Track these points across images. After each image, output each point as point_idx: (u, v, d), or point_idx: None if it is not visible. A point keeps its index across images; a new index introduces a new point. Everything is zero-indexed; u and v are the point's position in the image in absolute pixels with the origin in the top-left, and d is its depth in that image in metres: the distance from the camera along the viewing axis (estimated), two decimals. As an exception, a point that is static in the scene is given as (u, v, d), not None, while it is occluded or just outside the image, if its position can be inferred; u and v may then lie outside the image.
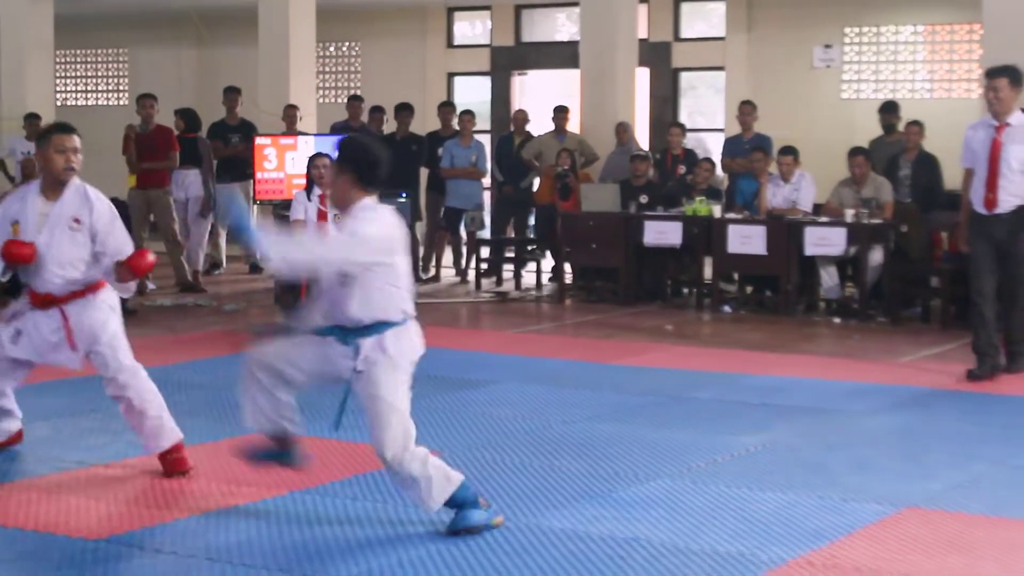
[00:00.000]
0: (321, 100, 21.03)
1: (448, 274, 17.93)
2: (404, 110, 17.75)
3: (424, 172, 17.89)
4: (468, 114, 17.91)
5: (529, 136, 17.85)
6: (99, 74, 26.55)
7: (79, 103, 26.30)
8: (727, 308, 14.76)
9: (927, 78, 19.95)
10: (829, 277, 14.26)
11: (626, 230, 15.05)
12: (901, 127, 15.27)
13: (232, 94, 18.43)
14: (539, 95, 22.52)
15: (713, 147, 19.33)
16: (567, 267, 16.11)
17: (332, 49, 23.96)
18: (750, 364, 11.38)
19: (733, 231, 14.41)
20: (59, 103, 23.09)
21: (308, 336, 6.63)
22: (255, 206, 17.78)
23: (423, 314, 14.47)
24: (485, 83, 23.46)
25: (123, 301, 14.26)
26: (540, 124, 18.52)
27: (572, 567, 5.97)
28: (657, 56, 21.53)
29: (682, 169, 16.36)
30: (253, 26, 19.37)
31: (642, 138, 18.99)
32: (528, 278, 17.03)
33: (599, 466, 7.79)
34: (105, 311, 7.56)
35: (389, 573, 5.89)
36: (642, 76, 19.60)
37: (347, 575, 5.86)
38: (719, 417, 9.24)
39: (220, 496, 7.15)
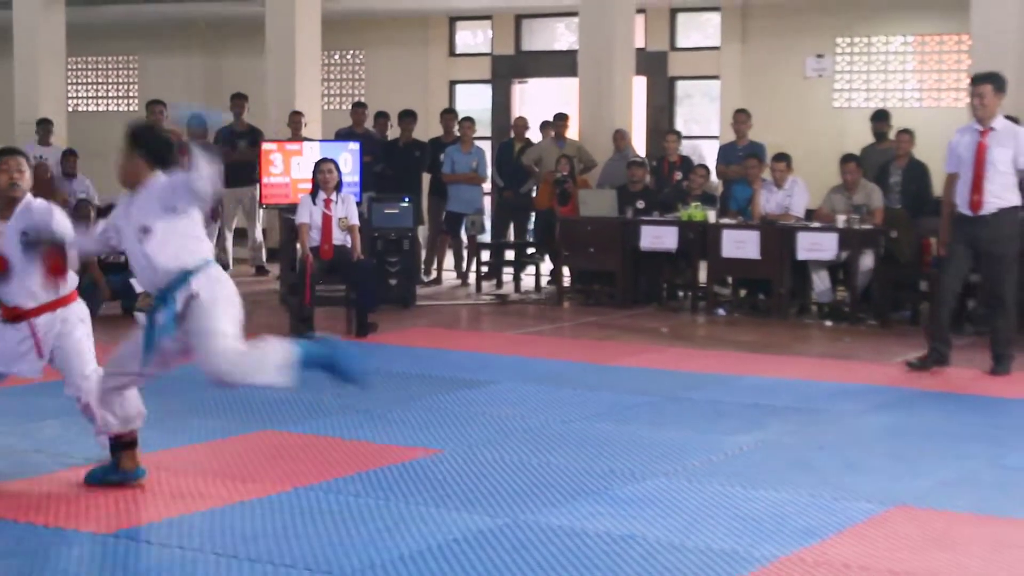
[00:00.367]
0: (326, 107, 21.04)
1: (449, 277, 17.94)
2: (407, 117, 17.76)
3: (427, 177, 17.90)
4: (469, 121, 17.93)
5: (529, 143, 17.86)
6: (110, 81, 26.56)
7: (90, 109, 26.31)
8: (721, 311, 14.76)
9: (917, 87, 19.97)
10: (821, 281, 14.26)
11: (623, 235, 15.06)
12: (892, 135, 15.30)
13: (239, 100, 18.46)
14: (539, 103, 22.52)
15: (708, 154, 19.32)
16: (565, 270, 16.12)
17: (337, 57, 23.97)
18: (744, 365, 11.39)
19: (727, 236, 14.41)
20: (71, 109, 23.10)
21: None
22: (261, 209, 17.81)
23: (426, 315, 14.58)
24: (486, 91, 23.48)
25: (132, 301, 14.39)
26: (539, 131, 18.54)
27: (569, 563, 5.97)
28: (653, 65, 21.55)
29: (678, 175, 16.36)
30: (260, 34, 19.40)
31: (639, 145, 19.00)
32: (527, 281, 17.04)
33: (596, 464, 7.80)
34: (72, 322, 7.51)
35: (390, 567, 5.89)
36: (639, 85, 19.63)
37: (350, 569, 5.86)
38: (713, 417, 9.24)
39: (226, 492, 7.15)
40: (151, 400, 8.64)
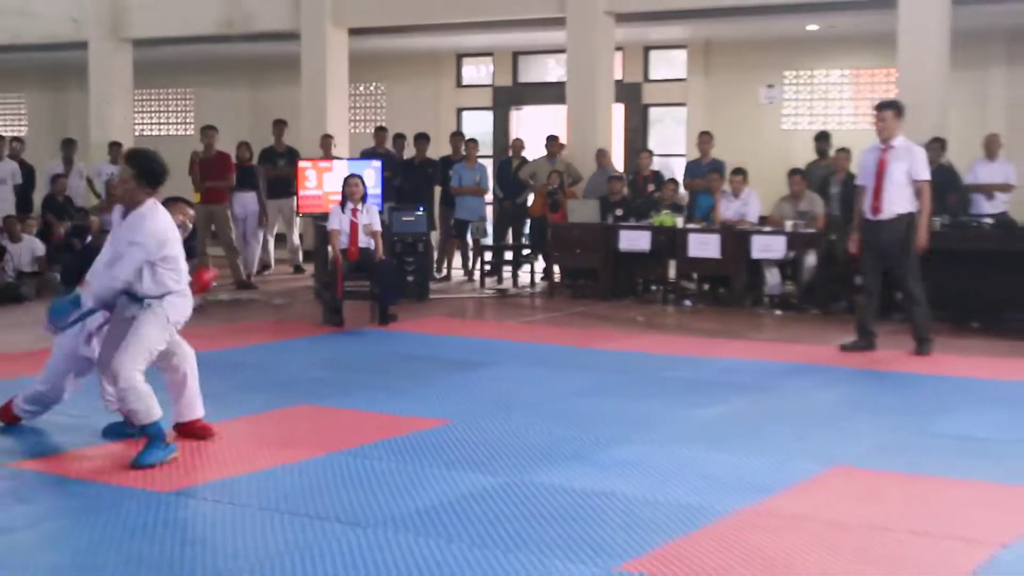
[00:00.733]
0: (352, 130, 21.01)
1: (457, 274, 17.93)
2: (421, 139, 17.75)
3: (438, 190, 17.90)
4: (473, 142, 17.92)
5: (525, 160, 17.84)
6: (170, 109, 26.53)
7: (153, 133, 26.27)
8: (688, 302, 14.75)
9: (852, 113, 19.95)
10: (772, 277, 14.24)
11: (604, 238, 15.05)
12: (832, 153, 15.30)
13: (279, 125, 18.43)
14: (533, 126, 22.48)
15: (677, 169, 19.29)
16: (556, 268, 16.11)
17: (362, 88, 23.94)
18: (707, 348, 11.37)
19: (693, 238, 14.41)
20: (137, 133, 23.07)
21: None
22: (298, 217, 17.80)
23: (438, 307, 14.56)
24: (488, 116, 23.44)
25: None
26: (534, 150, 18.51)
27: (560, 515, 5.97)
28: (630, 94, 21.52)
29: (651, 188, 16.36)
30: (297, 70, 19.38)
31: (618, 162, 18.96)
32: (523, 278, 17.01)
33: (582, 432, 7.79)
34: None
35: (408, 519, 5.89)
36: (618, 111, 19.59)
37: (374, 520, 5.86)
38: (682, 392, 9.23)
39: (269, 457, 7.15)
40: (204, 380, 8.64)
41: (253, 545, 5.54)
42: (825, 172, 15.03)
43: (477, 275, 17.26)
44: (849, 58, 20.18)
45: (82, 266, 8.06)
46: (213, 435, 7.59)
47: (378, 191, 15.29)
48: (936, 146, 14.77)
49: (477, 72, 23.83)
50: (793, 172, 14.62)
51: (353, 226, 12.81)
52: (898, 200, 10.68)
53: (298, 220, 18.18)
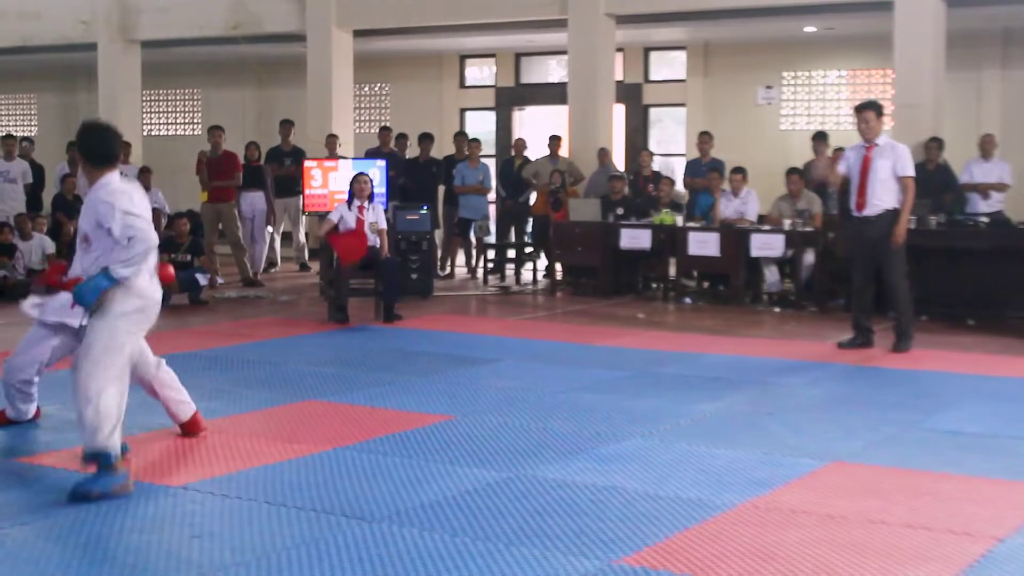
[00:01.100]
0: (357, 130, 21.02)
1: (461, 272, 17.93)
2: (425, 139, 17.75)
3: (442, 189, 17.90)
4: (476, 142, 17.92)
5: (527, 159, 17.85)
6: (178, 110, 26.55)
7: (161, 133, 26.29)
8: (688, 300, 14.75)
9: (849, 113, 19.92)
10: (770, 274, 14.26)
11: (605, 236, 15.05)
12: (829, 152, 15.29)
13: (286, 126, 18.45)
14: (535, 127, 22.50)
15: (677, 169, 19.31)
16: (558, 266, 16.11)
17: (366, 89, 23.95)
18: (707, 345, 11.38)
19: (692, 237, 14.41)
20: (145, 133, 23.09)
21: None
22: (304, 216, 17.80)
23: (442, 304, 14.55)
24: (491, 116, 23.45)
25: (197, 293, 14.39)
26: (536, 150, 18.51)
27: (562, 510, 5.97)
28: (631, 95, 21.53)
29: (651, 187, 16.37)
30: (302, 71, 19.40)
31: (618, 162, 18.97)
32: (526, 275, 17.02)
33: (584, 427, 7.79)
34: None
35: (413, 513, 5.89)
36: (619, 111, 19.60)
37: (379, 515, 5.86)
38: (682, 388, 9.23)
39: (276, 452, 7.16)
40: (212, 376, 8.67)
41: (260, 539, 5.54)
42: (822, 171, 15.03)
43: (480, 273, 17.28)
44: (846, 59, 20.19)
45: None
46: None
47: (383, 190, 15.30)
48: (934, 145, 14.81)
49: (480, 73, 23.84)
50: (791, 171, 14.62)
51: (359, 223, 12.82)
52: (883, 196, 10.70)
53: (304, 219, 18.19)
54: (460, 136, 18.53)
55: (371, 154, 17.56)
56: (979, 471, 6.81)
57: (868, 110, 10.83)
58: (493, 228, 18.01)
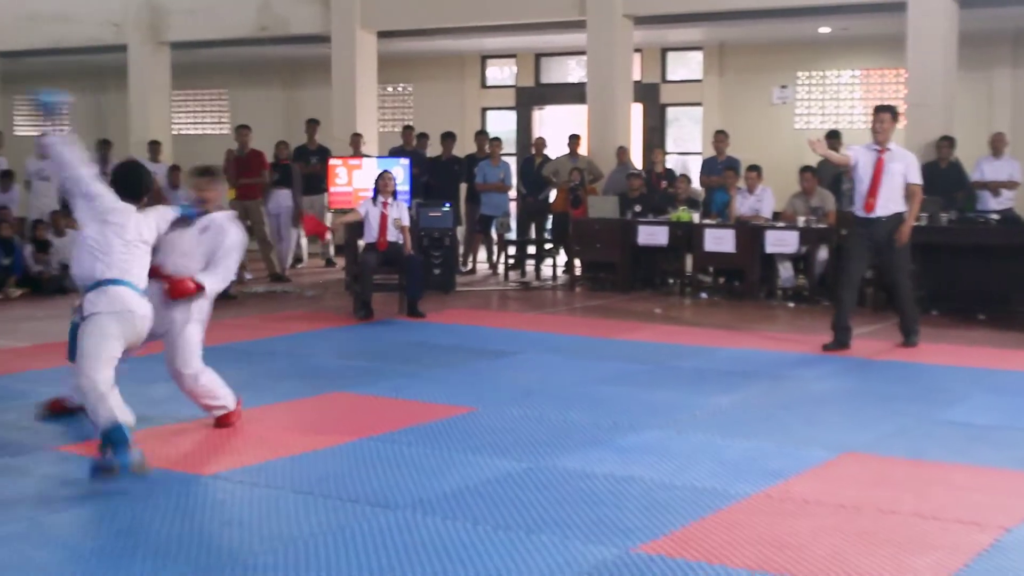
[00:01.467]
0: (381, 129, 21.02)
1: (482, 268, 17.96)
2: (447, 138, 17.79)
3: (464, 187, 17.93)
4: (497, 140, 17.96)
5: (547, 158, 17.85)
6: (206, 109, 26.59)
7: (190, 132, 26.34)
8: (704, 295, 14.75)
9: (863, 112, 19.87)
10: (785, 270, 14.25)
11: (624, 232, 15.06)
12: (842, 151, 15.25)
13: (312, 125, 18.50)
14: (555, 126, 22.49)
15: (694, 167, 19.29)
16: (577, 262, 16.13)
17: (390, 89, 23.95)
18: (722, 339, 11.38)
19: (708, 233, 14.42)
20: (175, 132, 23.13)
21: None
22: (329, 213, 17.84)
23: (463, 299, 14.61)
24: (511, 116, 23.44)
25: (226, 288, 14.46)
26: (556, 148, 18.52)
27: (581, 499, 6.00)
28: (648, 94, 21.50)
29: (664, 184, 16.39)
30: (328, 71, 19.42)
31: (636, 160, 18.97)
32: (546, 271, 17.04)
33: (602, 419, 7.82)
34: None
35: (436, 502, 5.93)
36: (636, 110, 19.59)
37: (403, 503, 5.90)
38: (698, 381, 9.25)
39: (302, 442, 7.20)
40: (240, 368, 8.70)
41: (287, 526, 5.58)
42: (836, 169, 14.96)
43: (501, 268, 17.30)
44: (859, 59, 20.12)
45: None
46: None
47: (406, 188, 15.34)
48: (945, 144, 14.77)
49: (501, 73, 23.83)
50: (805, 169, 14.59)
51: (383, 218, 12.86)
52: (894, 199, 10.64)
53: (329, 215, 18.24)
54: (481, 135, 18.55)
55: (395, 152, 17.60)
56: (988, 462, 6.82)
57: (886, 112, 10.76)
58: (514, 225, 18.03)
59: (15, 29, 22.01)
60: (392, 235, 12.86)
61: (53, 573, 5.01)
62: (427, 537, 5.40)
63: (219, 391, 7.61)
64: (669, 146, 21.93)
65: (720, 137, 16.36)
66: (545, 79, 23.18)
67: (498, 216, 17.44)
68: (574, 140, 17.32)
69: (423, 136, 18.12)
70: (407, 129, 18.34)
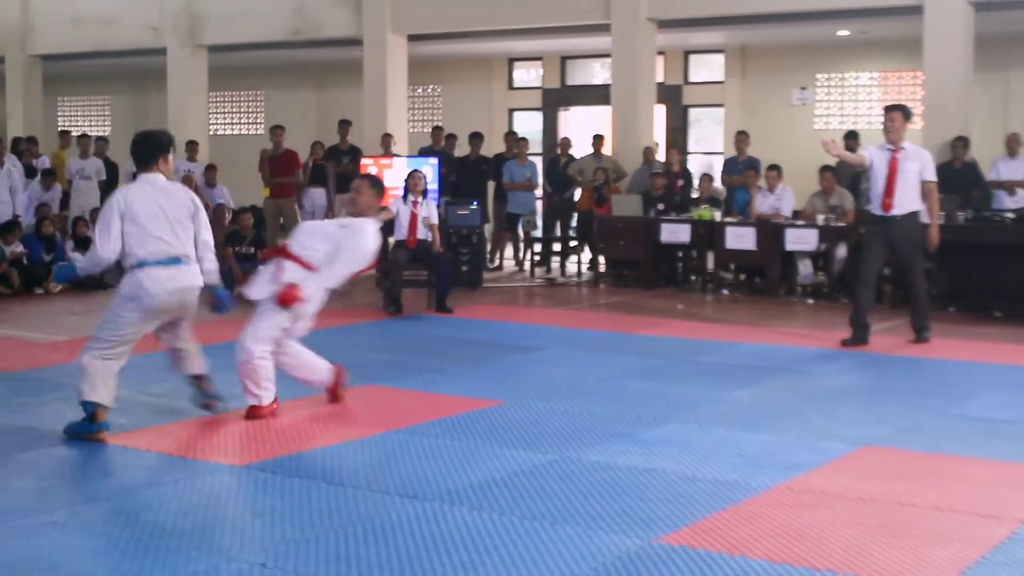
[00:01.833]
0: (411, 130, 21.04)
1: (509, 264, 17.95)
2: (475, 137, 17.79)
3: (491, 186, 17.91)
4: (524, 140, 17.96)
5: (572, 158, 17.83)
6: (242, 110, 26.67)
7: (227, 132, 26.43)
8: (725, 291, 14.70)
9: (881, 113, 19.73)
10: (804, 267, 14.19)
11: (647, 230, 15.02)
12: (860, 150, 15.18)
13: (344, 125, 18.50)
14: (580, 126, 22.46)
15: (716, 166, 19.23)
16: (601, 259, 16.09)
17: (420, 90, 23.97)
18: (743, 335, 11.34)
19: (730, 231, 14.36)
20: (212, 132, 23.20)
21: None
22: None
23: (490, 295, 14.59)
24: (538, 116, 23.43)
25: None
26: (581, 148, 18.49)
27: (605, 491, 5.97)
28: (671, 96, 21.45)
29: (680, 182, 16.36)
30: (359, 73, 19.43)
31: (661, 160, 18.93)
32: (571, 268, 17.01)
33: (625, 412, 7.78)
34: None
35: (463, 493, 5.91)
36: (659, 111, 19.53)
37: (431, 494, 5.88)
38: (719, 375, 9.20)
39: (334, 434, 7.20)
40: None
41: (318, 516, 5.57)
42: (854, 169, 14.91)
43: (527, 265, 17.28)
44: (878, 61, 20.03)
45: None
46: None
47: (435, 186, 15.33)
48: (959, 144, 14.67)
49: (527, 75, 23.82)
50: (824, 169, 14.52)
51: (413, 217, 12.85)
52: (910, 198, 10.53)
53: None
54: (510, 135, 18.55)
55: (424, 152, 17.60)
56: (1005, 456, 6.76)
57: (897, 111, 10.69)
58: (540, 222, 18.02)
59: (59, 33, 22.12)
60: (421, 233, 12.86)
61: (89, 562, 5.02)
62: (455, 527, 5.38)
63: (259, 383, 7.63)
64: (691, 147, 21.90)
65: (741, 138, 16.32)
66: (570, 81, 23.16)
67: (524, 214, 17.43)
68: (598, 140, 17.29)
69: (452, 136, 18.12)
70: (436, 130, 18.34)
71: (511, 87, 23.77)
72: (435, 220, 13.04)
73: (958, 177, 14.28)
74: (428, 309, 12.84)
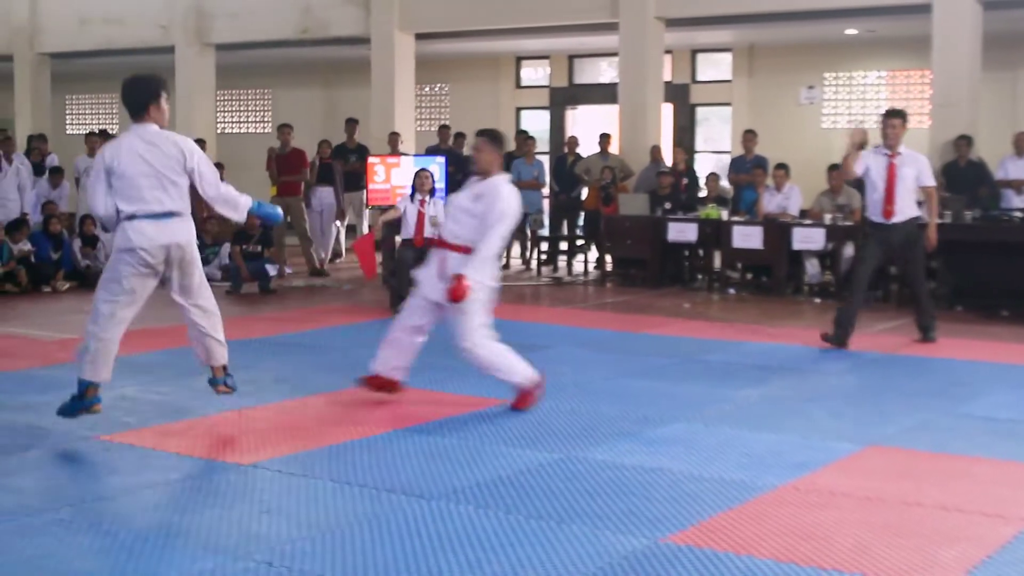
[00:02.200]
0: (418, 128, 21.07)
1: (515, 263, 17.94)
2: (483, 136, 17.75)
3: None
4: (531, 139, 17.95)
5: (579, 156, 17.83)
6: (249, 109, 26.70)
7: (234, 131, 26.46)
8: (732, 290, 14.69)
9: (889, 112, 19.78)
10: (811, 267, 14.18)
11: (654, 229, 15.01)
12: (869, 149, 15.14)
13: (351, 124, 18.51)
14: (587, 125, 22.46)
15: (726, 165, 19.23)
16: (608, 258, 16.08)
17: (427, 89, 23.99)
18: (750, 334, 11.33)
19: (737, 230, 14.35)
20: (219, 131, 23.26)
21: None
22: (368, 209, 17.84)
23: (497, 295, 14.57)
24: (545, 115, 23.44)
25: (266, 283, 14.46)
26: (588, 147, 18.48)
27: (611, 490, 5.96)
28: (678, 95, 21.45)
29: (685, 181, 16.36)
30: (367, 72, 19.45)
31: (667, 159, 18.92)
32: (578, 266, 17.01)
33: (631, 411, 7.78)
34: None
35: (469, 492, 5.91)
36: (667, 110, 19.53)
37: (437, 493, 5.88)
38: (725, 375, 9.20)
39: (340, 432, 7.19)
40: (280, 360, 8.70)
41: (325, 515, 5.57)
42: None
43: (534, 264, 17.27)
44: (886, 60, 20.01)
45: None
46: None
47: (442, 185, 15.33)
48: (963, 143, 14.65)
49: (535, 74, 23.83)
50: (832, 168, 14.51)
51: (420, 216, 12.84)
52: (909, 204, 10.51)
53: (367, 212, 18.25)
54: (521, 135, 18.57)
55: (431, 151, 17.60)
56: (1011, 455, 6.75)
57: (896, 117, 10.65)
58: (547, 221, 18.01)
59: (66, 32, 22.18)
60: (429, 231, 12.84)
61: (95, 560, 5.01)
62: (460, 526, 5.38)
63: (502, 366, 7.73)
64: (699, 145, 21.90)
65: (749, 136, 16.31)
66: (578, 80, 23.17)
67: (531, 213, 17.41)
68: (605, 139, 17.29)
69: (460, 135, 18.11)
70: (443, 128, 18.34)
71: (518, 86, 23.79)
72: (442, 219, 13.00)
73: (963, 176, 14.27)
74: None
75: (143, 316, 7.45)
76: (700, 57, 21.92)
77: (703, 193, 16.30)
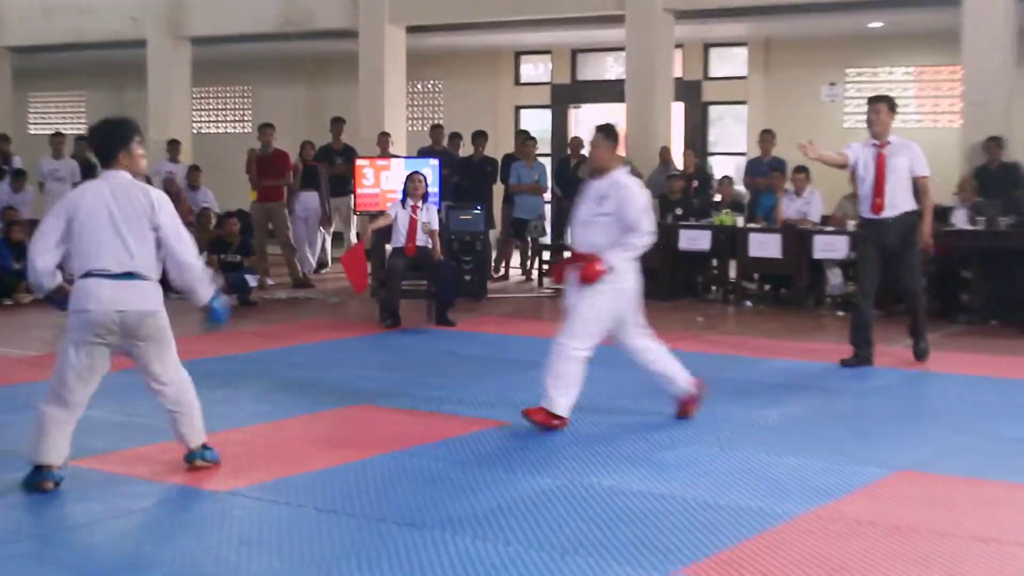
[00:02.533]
0: (410, 128, 21.05)
1: (515, 274, 17.93)
2: (479, 137, 17.78)
3: (500, 188, 17.89)
4: (532, 139, 17.97)
5: (583, 158, 17.80)
6: (228, 107, 26.71)
7: (211, 131, 26.46)
8: (748, 303, 14.69)
9: (916, 111, 19.79)
10: (834, 277, 14.17)
11: (664, 237, 14.97)
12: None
13: (337, 124, 18.52)
14: (591, 125, 22.45)
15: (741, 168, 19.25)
16: (614, 268, 16.05)
17: (419, 86, 23.99)
18: (768, 350, 11.32)
19: (753, 238, 14.35)
20: (195, 131, 23.24)
21: None
22: (355, 216, 17.85)
23: (496, 306, 14.54)
24: (546, 114, 23.45)
25: (246, 294, 14.46)
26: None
27: (618, 518, 5.94)
28: (690, 92, 21.46)
29: (695, 183, 16.36)
30: (355, 68, 19.47)
31: (678, 161, 18.92)
32: (582, 277, 16.98)
33: (640, 434, 7.77)
34: None
35: (466, 522, 5.89)
36: (677, 109, 19.54)
37: (432, 521, 5.86)
38: (742, 394, 9.18)
39: (327, 457, 7.17)
40: (261, 379, 8.63)
41: (309, 545, 5.54)
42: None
43: (535, 274, 17.26)
44: (913, 56, 20.02)
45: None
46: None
47: (436, 189, 15.33)
48: (992, 144, 14.63)
49: (535, 69, 23.84)
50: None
51: (412, 223, 12.83)
52: (902, 197, 10.28)
53: (355, 218, 18.25)
54: (522, 135, 18.59)
55: (424, 153, 17.60)
56: (1052, 482, 6.74)
57: (881, 103, 10.47)
58: (549, 228, 18.00)
59: (28, 23, 22.19)
60: (421, 239, 12.84)
61: (62, 594, 5.00)
62: (456, 558, 5.36)
63: (558, 386, 7.84)
64: (712, 146, 21.90)
65: (766, 137, 16.31)
66: (582, 76, 23.18)
67: (532, 219, 17.41)
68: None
69: (456, 136, 18.12)
70: (436, 128, 18.35)
71: (518, 82, 23.80)
72: (436, 226, 13.02)
73: (996, 179, 14.26)
74: (428, 322, 12.82)
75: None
76: (713, 52, 21.93)
77: (717, 198, 16.29)
